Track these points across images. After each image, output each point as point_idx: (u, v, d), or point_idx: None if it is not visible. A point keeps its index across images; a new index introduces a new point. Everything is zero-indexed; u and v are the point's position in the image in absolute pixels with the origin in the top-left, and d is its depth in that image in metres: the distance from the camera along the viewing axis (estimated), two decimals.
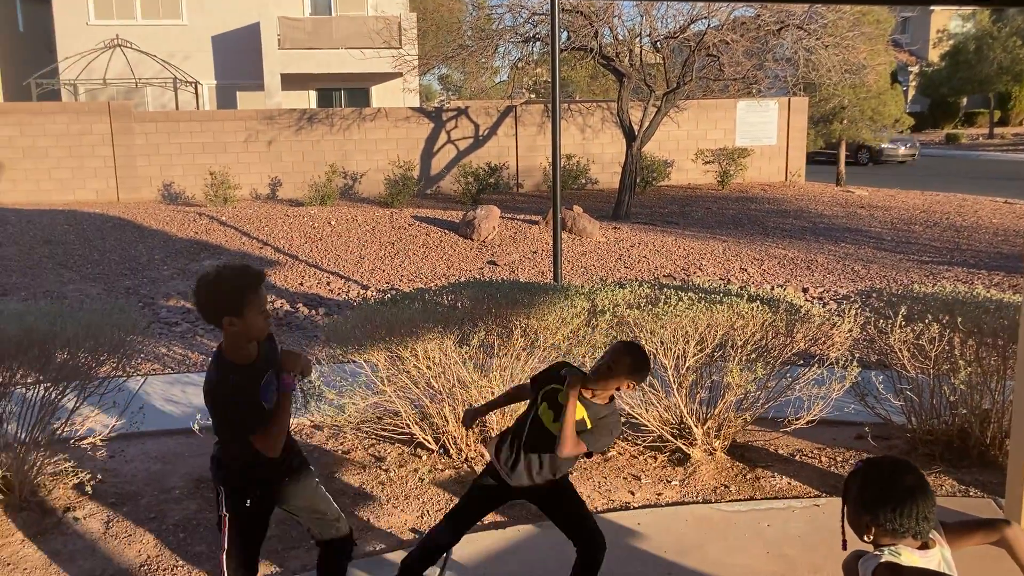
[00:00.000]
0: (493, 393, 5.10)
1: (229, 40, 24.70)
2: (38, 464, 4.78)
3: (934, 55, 43.65)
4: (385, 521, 4.51)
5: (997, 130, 41.93)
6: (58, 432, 4.88)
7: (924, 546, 2.43)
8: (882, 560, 2.38)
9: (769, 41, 16.85)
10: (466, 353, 5.11)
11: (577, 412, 3.24)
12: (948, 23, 44.68)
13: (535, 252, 12.69)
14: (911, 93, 44.98)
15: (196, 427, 4.99)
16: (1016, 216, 15.79)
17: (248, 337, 2.95)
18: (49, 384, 4.72)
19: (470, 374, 5.06)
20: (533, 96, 31.96)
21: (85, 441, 5.02)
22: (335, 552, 3.34)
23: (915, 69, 45.07)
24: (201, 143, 18.64)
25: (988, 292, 5.24)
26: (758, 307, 4.94)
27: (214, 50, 24.83)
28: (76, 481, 4.87)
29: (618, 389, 3.31)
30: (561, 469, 3.37)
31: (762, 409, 5.16)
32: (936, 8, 45.29)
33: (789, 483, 4.88)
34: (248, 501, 3.09)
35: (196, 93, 23.88)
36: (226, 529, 3.10)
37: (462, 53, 18.31)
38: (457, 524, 3.44)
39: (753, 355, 5.01)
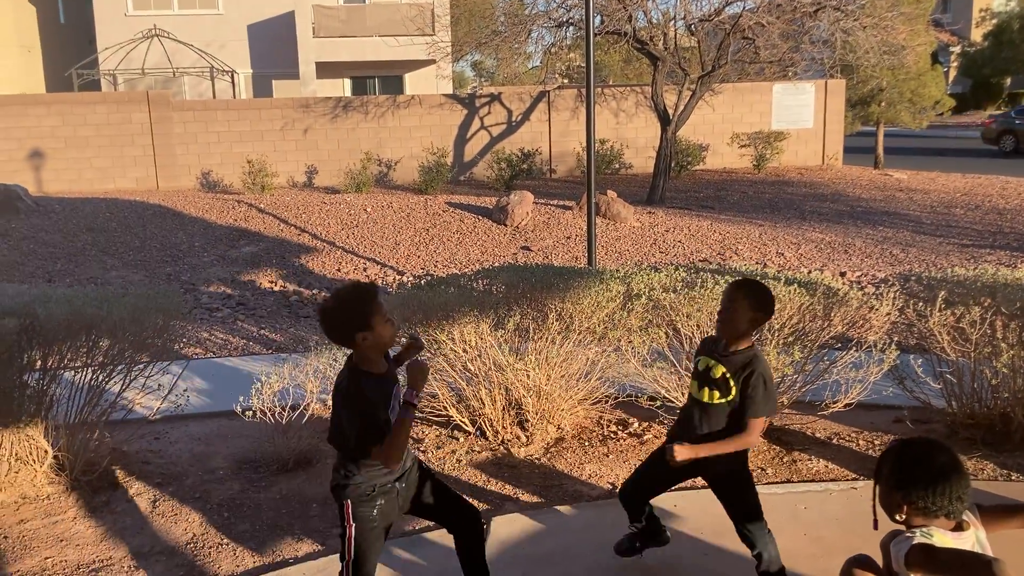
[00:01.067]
0: (528, 376, 5.14)
1: (264, 29, 24.90)
2: (87, 444, 4.91)
3: (976, 35, 42.77)
4: None
5: None
6: (106, 414, 5.01)
7: (958, 527, 2.40)
8: (914, 542, 2.35)
9: (805, 23, 16.62)
10: (501, 337, 5.15)
11: (716, 370, 3.35)
12: (992, 1, 43.71)
13: (568, 237, 12.69)
14: (952, 74, 44.12)
15: (239, 409, 5.09)
16: None
17: (380, 347, 3.06)
18: (96, 367, 4.85)
19: (506, 357, 5.10)
20: (566, 81, 31.83)
21: (131, 423, 5.13)
22: (468, 539, 3.36)
23: (956, 49, 44.18)
24: (238, 132, 18.84)
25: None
26: (795, 290, 4.92)
27: (250, 39, 25.05)
28: (123, 462, 5.01)
29: (754, 332, 3.35)
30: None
31: (799, 392, 5.14)
32: None
33: (826, 466, 4.87)
34: (371, 515, 3.10)
35: (232, 82, 24.12)
36: (349, 542, 3.13)
37: (495, 39, 18.28)
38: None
39: (790, 338, 5.00)
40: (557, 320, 5.15)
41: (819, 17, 16.03)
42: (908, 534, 2.41)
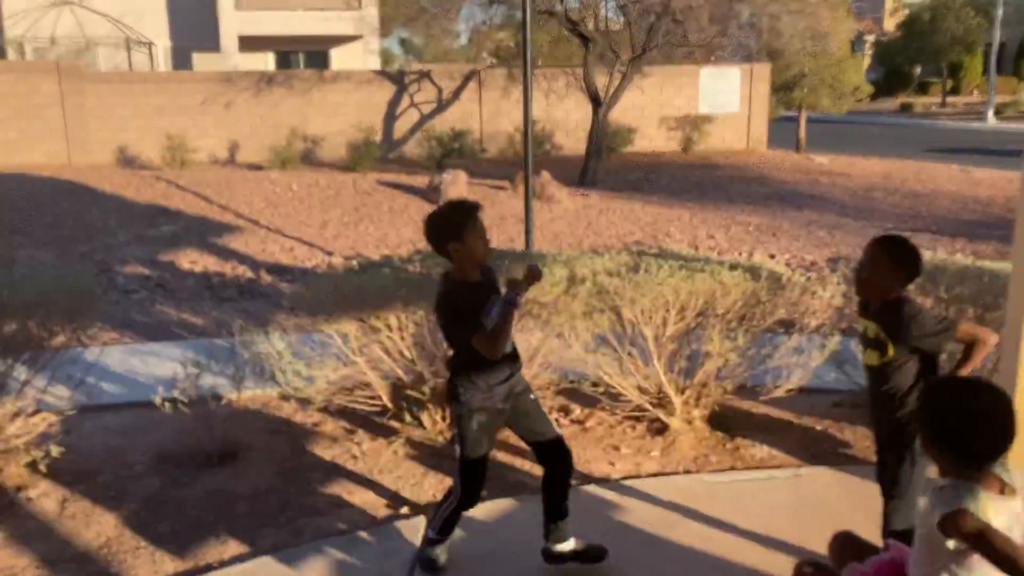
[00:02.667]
0: None
1: (184, 0, 23.94)
2: None
3: (890, 24, 43.93)
4: (359, 497, 4.36)
5: (949, 99, 42.40)
6: (7, 408, 4.63)
7: (1002, 490, 2.14)
8: (961, 506, 2.08)
9: (733, 6, 16.72)
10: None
11: (869, 329, 3.25)
12: None
13: (503, 218, 12.51)
14: (867, 62, 45.25)
15: (158, 400, 4.78)
16: (972, 183, 15.94)
17: (471, 260, 3.33)
18: None
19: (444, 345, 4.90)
20: (495, 61, 31.53)
21: (38, 416, 4.77)
22: (557, 471, 3.58)
23: (871, 38, 45.31)
24: (157, 105, 18.07)
25: (968, 259, 5.20)
26: (740, 275, 4.83)
27: (168, 10, 24.06)
28: (29, 459, 4.64)
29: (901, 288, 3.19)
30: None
31: (742, 378, 5.08)
32: None
33: (770, 452, 4.82)
34: (477, 421, 3.42)
35: (150, 54, 23.16)
36: (459, 445, 3.48)
37: (424, 15, 17.93)
38: None
39: (733, 324, 4.92)
40: None
41: (746, 1, 16.12)
42: (946, 484, 2.15)
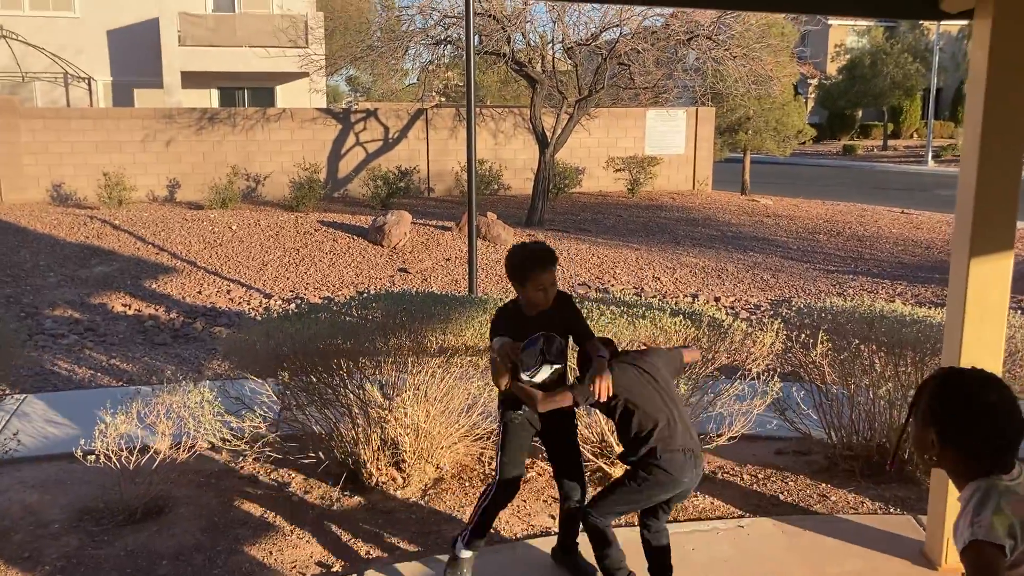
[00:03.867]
0: (407, 414, 4.81)
1: (126, 35, 23.60)
2: None
3: (832, 68, 45.22)
4: (289, 555, 4.18)
5: (890, 142, 43.70)
6: None
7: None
8: (982, 538, 1.85)
9: (679, 51, 17.01)
10: (377, 371, 4.81)
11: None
12: (845, 38, 46.35)
13: (448, 259, 12.41)
14: (810, 105, 46.47)
15: (79, 453, 4.55)
16: (913, 226, 16.31)
17: (529, 305, 3.59)
18: None
19: (381, 393, 4.76)
20: (443, 100, 31.64)
21: None
22: (571, 517, 3.81)
23: (814, 82, 46.59)
24: (94, 142, 17.69)
25: (906, 307, 5.23)
26: (681, 322, 4.79)
27: (110, 45, 23.68)
28: None
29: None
30: None
31: None
32: (834, 23, 46.94)
33: (712, 503, 4.75)
34: (516, 414, 3.65)
35: (90, 89, 22.74)
36: (501, 432, 3.72)
37: (371, 54, 17.89)
38: None
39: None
40: (438, 352, 4.84)
41: (692, 46, 16.41)
42: (978, 487, 1.95)
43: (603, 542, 3.58)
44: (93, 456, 4.54)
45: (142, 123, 18.01)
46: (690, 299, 10.20)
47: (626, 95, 19.85)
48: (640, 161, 20.00)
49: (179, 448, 5.32)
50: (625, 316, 4.77)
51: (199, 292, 10.44)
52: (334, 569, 4.06)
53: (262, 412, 4.95)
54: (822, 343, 4.95)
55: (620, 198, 19.44)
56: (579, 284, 11.17)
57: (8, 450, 4.93)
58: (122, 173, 16.64)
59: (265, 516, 4.57)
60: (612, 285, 11.09)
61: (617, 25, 16.08)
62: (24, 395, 6.45)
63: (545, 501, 4.75)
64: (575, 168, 19.79)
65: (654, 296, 10.08)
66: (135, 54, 23.50)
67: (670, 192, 20.59)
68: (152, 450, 4.94)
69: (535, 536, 4.39)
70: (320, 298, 10.17)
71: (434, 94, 31.49)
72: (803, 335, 5.09)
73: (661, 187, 20.76)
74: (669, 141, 21.36)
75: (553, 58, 17.42)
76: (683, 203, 18.96)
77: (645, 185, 20.11)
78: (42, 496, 4.82)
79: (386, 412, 4.74)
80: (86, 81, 22.56)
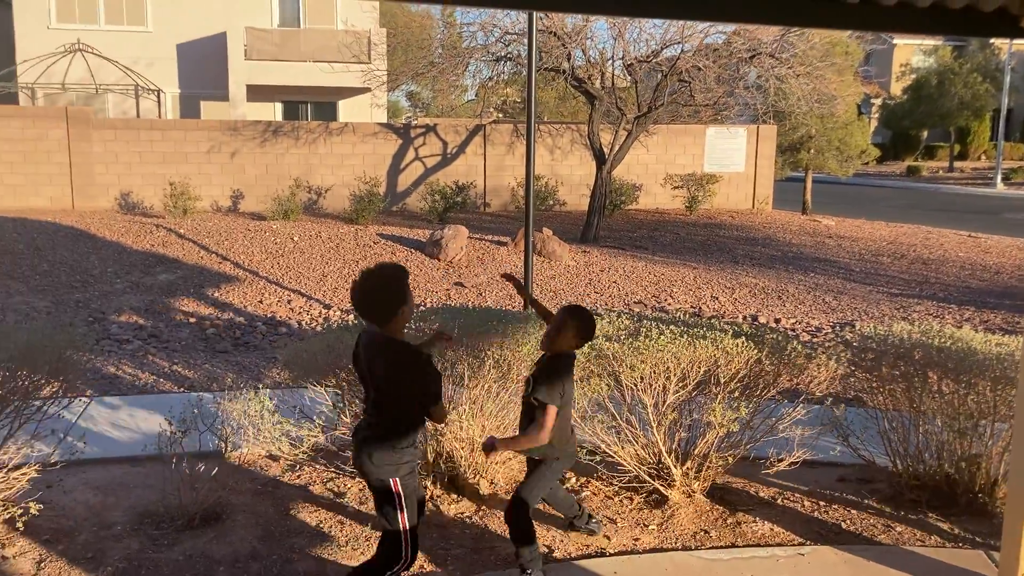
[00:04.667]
0: (463, 428, 4.81)
1: (195, 49, 24.22)
2: None
3: (896, 88, 44.38)
4: (344, 565, 4.19)
5: (957, 164, 42.64)
6: None
7: None
8: None
9: (740, 68, 16.85)
10: None
11: None
12: (911, 57, 45.45)
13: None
14: (873, 125, 45.62)
15: (141, 456, 4.64)
16: (981, 250, 15.87)
17: (408, 320, 3.53)
18: None
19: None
20: (501, 116, 31.82)
21: (19, 471, 4.62)
22: (380, 556, 3.63)
23: (878, 101, 45.77)
24: (162, 152, 18.15)
25: (978, 334, 5.07)
26: (743, 343, 4.71)
27: (179, 58, 24.32)
28: (7, 516, 4.48)
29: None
30: None
31: (744, 450, 4.92)
32: (899, 42, 46.10)
33: (772, 529, 4.64)
34: (414, 481, 3.56)
35: (159, 101, 23.36)
36: (402, 512, 3.51)
37: (432, 70, 18.06)
38: None
39: (736, 392, 4.78)
40: (494, 367, 4.84)
41: (754, 63, 16.25)
42: None
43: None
44: (155, 461, 4.62)
45: (208, 135, 18.42)
46: (750, 320, 10.04)
47: (685, 112, 19.71)
48: (699, 179, 19.83)
49: (238, 455, 5.40)
50: (685, 336, 4.70)
51: (260, 301, 10.61)
52: None
53: (320, 422, 4.99)
54: (888, 368, 4.82)
55: (677, 216, 19.28)
56: (635, 302, 11.09)
57: (75, 452, 5.05)
58: (187, 183, 17.03)
59: (321, 526, 4.60)
60: (669, 304, 10.98)
61: (679, 42, 16.00)
62: (91, 398, 6.60)
63: (602, 521, 4.69)
64: (632, 185, 19.70)
65: (712, 316, 9.95)
66: (203, 67, 24.10)
67: (729, 210, 20.37)
68: (212, 456, 5.01)
69: (588, 556, 4.34)
70: None
71: (492, 110, 31.69)
72: (867, 359, 4.97)
73: (720, 205, 20.56)
74: (729, 159, 21.14)
75: (612, 75, 17.39)
76: (742, 222, 18.73)
77: (703, 203, 19.93)
78: (105, 498, 4.92)
79: (442, 425, 4.74)
80: (155, 93, 23.19)
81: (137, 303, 10.33)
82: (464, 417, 4.77)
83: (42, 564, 4.19)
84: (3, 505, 4.57)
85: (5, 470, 4.62)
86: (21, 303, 10.15)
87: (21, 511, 4.47)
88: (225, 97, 23.70)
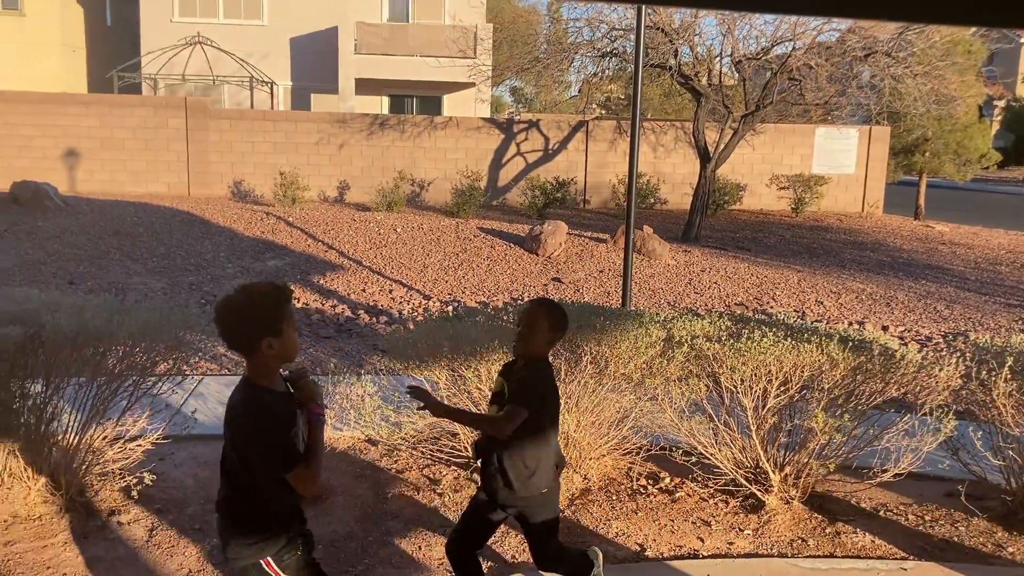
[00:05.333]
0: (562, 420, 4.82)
1: (307, 42, 24.93)
2: (87, 464, 4.65)
3: (1023, 90, 42.16)
4: (437, 552, 4.26)
5: None
6: (108, 432, 4.75)
7: None
8: None
9: (854, 67, 16.30)
10: None
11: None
12: None
13: (601, 271, 12.38)
14: (995, 128, 43.45)
15: None
16: None
17: (285, 358, 2.71)
18: (102, 382, 4.59)
19: None
20: (603, 112, 31.63)
21: (135, 443, 4.87)
22: None
23: (1001, 103, 43.57)
24: (273, 143, 18.75)
25: None
26: (849, 349, 4.58)
27: (291, 52, 25.08)
28: (123, 484, 4.73)
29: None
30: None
31: (846, 458, 4.78)
32: None
33: (873, 541, 4.50)
34: (294, 554, 2.81)
35: (271, 93, 24.14)
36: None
37: (536, 65, 18.11)
38: None
39: (840, 400, 4.65)
40: (591, 363, 4.84)
41: (869, 62, 15.71)
42: None
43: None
44: None
45: (317, 127, 18.94)
46: (856, 326, 9.73)
47: (795, 111, 19.20)
48: (806, 180, 19.29)
49: (339, 438, 5.55)
50: (789, 339, 4.60)
51: (363, 290, 10.86)
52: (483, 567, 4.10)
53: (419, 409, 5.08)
54: (1005, 381, 4.60)
55: (782, 217, 18.82)
56: (736, 304, 10.88)
57: (186, 427, 5.28)
58: (297, 173, 17.54)
59: (416, 511, 4.69)
60: (771, 307, 10.74)
61: (790, 39, 15.58)
62: (201, 376, 6.89)
63: (694, 523, 4.64)
64: (736, 184, 19.31)
65: (817, 321, 9.68)
66: (314, 60, 24.80)
67: (837, 213, 19.75)
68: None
69: (681, 558, 4.30)
70: (476, 302, 10.36)
71: (595, 106, 31.55)
72: (982, 371, 4.76)
73: (827, 208, 19.96)
74: (838, 160, 20.50)
75: (720, 72, 17.08)
76: (851, 225, 18.14)
77: (810, 205, 19.38)
78: (212, 472, 5.11)
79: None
80: (269, 85, 23.96)
81: None
82: (560, 411, 4.78)
83: (153, 532, 4.41)
84: (120, 474, 4.82)
85: (122, 441, 4.88)
86: (139, 283, 10.66)
87: (136, 480, 4.71)
88: (334, 90, 24.32)
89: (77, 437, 4.56)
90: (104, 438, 4.76)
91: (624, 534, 4.50)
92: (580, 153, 19.75)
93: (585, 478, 5.03)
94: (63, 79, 25.13)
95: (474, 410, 4.86)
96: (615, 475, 5.17)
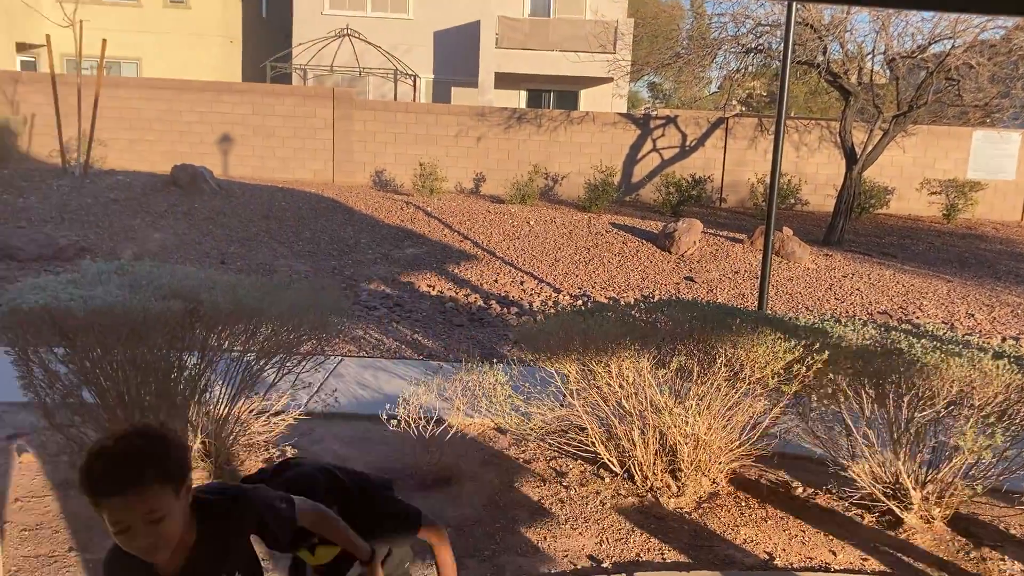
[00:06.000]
0: (687, 422, 4.78)
1: (450, 36, 25.43)
2: (234, 434, 4.92)
3: None
4: (562, 543, 4.30)
5: None
6: (254, 406, 5.01)
7: None
8: None
9: (1020, 67, 15.31)
10: (662, 376, 4.82)
11: None
12: None
13: (736, 272, 12.12)
14: None
15: (384, 416, 4.99)
16: None
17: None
18: (252, 358, 4.85)
19: (664, 399, 4.76)
20: (743, 109, 30.86)
21: (278, 417, 5.12)
22: None
23: None
24: (414, 134, 19.24)
25: None
26: (1005, 365, 4.33)
27: (435, 45, 25.63)
28: (266, 456, 4.99)
29: None
30: None
31: (996, 480, 4.53)
32: None
33: (1022, 571, 4.25)
34: None
35: (414, 86, 24.74)
36: None
37: (677, 61, 17.86)
38: None
39: (992, 418, 4.41)
40: (725, 366, 4.76)
41: None
42: None
43: None
44: (395, 421, 4.95)
45: (457, 119, 19.30)
46: (1012, 342, 9.17)
47: (950, 112, 18.20)
48: (960, 185, 18.27)
49: (469, 424, 5.67)
50: (939, 351, 4.39)
51: (495, 280, 11.02)
52: (604, 565, 4.12)
53: (549, 402, 5.13)
54: None
55: (933, 223, 17.90)
56: (879, 312, 10.44)
57: (327, 405, 5.51)
58: (435, 164, 17.94)
59: (542, 502, 4.74)
60: (917, 317, 10.25)
61: (950, 37, 14.77)
62: (340, 357, 7.17)
63: (826, 535, 4.51)
64: (883, 188, 18.49)
65: (968, 334, 9.19)
66: (455, 54, 25.27)
67: (993, 222, 18.63)
68: (446, 423, 5.30)
69: (811, 570, 4.18)
70: (606, 298, 10.35)
71: (735, 103, 30.82)
72: None
73: (982, 215, 18.84)
74: (997, 165, 19.30)
75: (871, 70, 16.37)
76: (1008, 235, 17.08)
77: (963, 212, 18.36)
78: (348, 451, 5.34)
79: (668, 418, 4.73)
80: (412, 78, 24.56)
81: (385, 273, 11.06)
82: (691, 412, 4.73)
83: None
84: (264, 446, 5.09)
85: (267, 415, 5.14)
86: (285, 265, 11.17)
87: (279, 453, 4.96)
88: (474, 84, 24.70)
89: (227, 408, 4.83)
90: (250, 411, 5.02)
91: (752, 541, 4.41)
92: (718, 150, 19.36)
93: (714, 482, 4.95)
94: (220, 68, 26.52)
95: (603, 407, 4.88)
96: (745, 480, 5.07)
